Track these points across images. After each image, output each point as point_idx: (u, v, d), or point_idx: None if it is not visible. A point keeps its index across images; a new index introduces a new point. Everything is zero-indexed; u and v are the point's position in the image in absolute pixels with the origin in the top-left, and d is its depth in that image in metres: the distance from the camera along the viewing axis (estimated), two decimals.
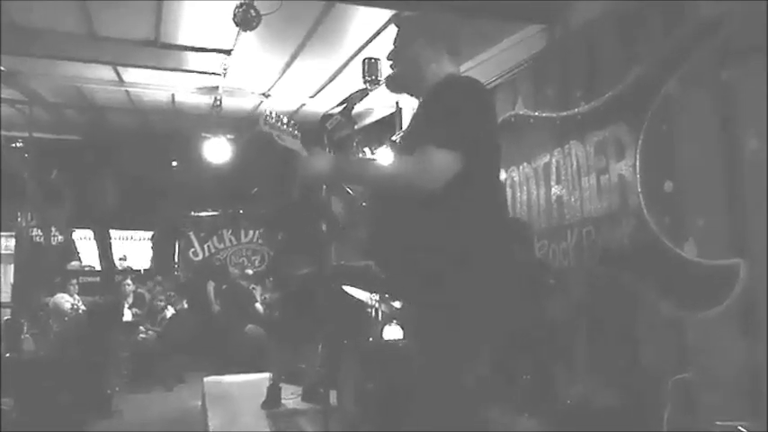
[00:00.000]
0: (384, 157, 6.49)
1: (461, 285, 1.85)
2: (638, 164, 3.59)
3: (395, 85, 2.24)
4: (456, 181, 1.85)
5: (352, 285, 4.22)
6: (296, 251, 4.93)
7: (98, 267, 10.43)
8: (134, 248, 11.96)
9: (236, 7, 4.32)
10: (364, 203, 2.23)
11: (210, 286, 9.11)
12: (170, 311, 8.48)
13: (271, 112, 2.10)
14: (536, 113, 4.62)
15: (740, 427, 2.46)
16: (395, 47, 2.20)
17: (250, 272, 9.96)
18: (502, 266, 1.93)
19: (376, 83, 5.06)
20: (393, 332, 4.35)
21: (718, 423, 2.54)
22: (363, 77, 5.08)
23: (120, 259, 11.43)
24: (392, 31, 2.23)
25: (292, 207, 5.15)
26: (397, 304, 3.98)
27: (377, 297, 4.08)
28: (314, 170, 2.02)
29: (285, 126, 2.11)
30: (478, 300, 1.86)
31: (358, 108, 2.44)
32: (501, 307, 1.94)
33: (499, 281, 1.91)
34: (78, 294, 8.11)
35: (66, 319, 7.31)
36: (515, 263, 2.04)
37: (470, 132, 1.90)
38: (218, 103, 6.76)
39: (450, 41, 2.16)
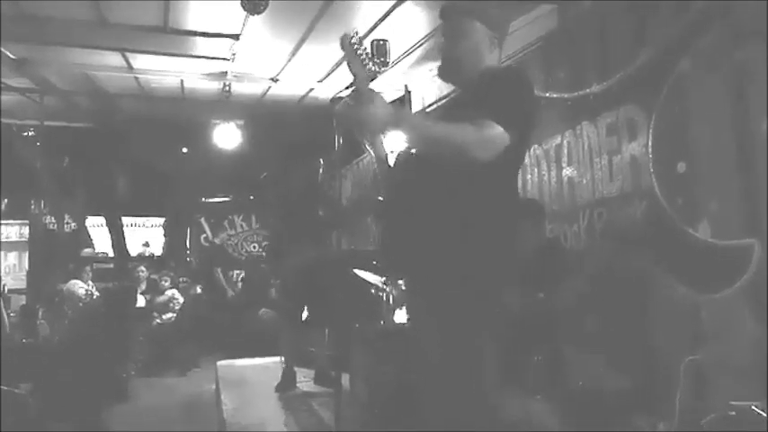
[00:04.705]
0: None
1: (487, 264, 1.88)
2: (650, 144, 3.56)
3: (449, 74, 2.23)
4: (501, 158, 1.87)
5: (363, 270, 4.23)
6: (295, 237, 4.93)
7: (111, 254, 10.54)
8: (149, 234, 12.07)
9: None
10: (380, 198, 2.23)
11: (218, 272, 9.17)
12: (170, 293, 8.46)
13: (356, 33, 1.96)
14: (547, 94, 4.57)
15: (754, 407, 2.45)
16: (450, 37, 2.17)
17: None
18: (525, 246, 1.98)
19: (384, 65, 5.02)
20: (404, 316, 4.36)
21: (731, 404, 2.53)
22: (372, 60, 5.04)
23: (143, 245, 11.55)
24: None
25: (293, 193, 5.14)
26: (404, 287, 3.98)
27: (388, 281, 4.09)
28: (377, 114, 1.88)
29: (363, 56, 1.98)
30: (501, 279, 1.88)
31: None
32: (519, 286, 1.98)
33: (522, 260, 1.95)
34: (92, 280, 8.21)
35: (80, 304, 7.40)
36: (537, 242, 2.08)
37: (526, 116, 1.99)
38: (228, 88, 6.76)
39: (504, 27, 2.21)
